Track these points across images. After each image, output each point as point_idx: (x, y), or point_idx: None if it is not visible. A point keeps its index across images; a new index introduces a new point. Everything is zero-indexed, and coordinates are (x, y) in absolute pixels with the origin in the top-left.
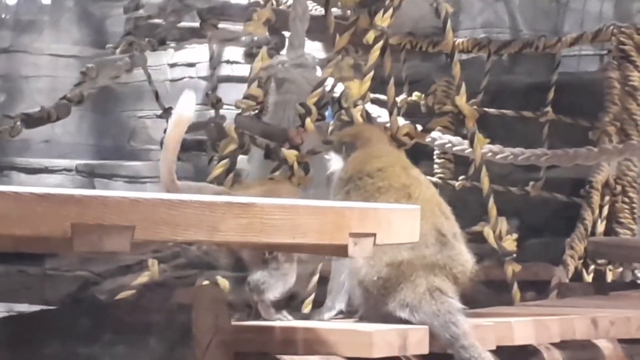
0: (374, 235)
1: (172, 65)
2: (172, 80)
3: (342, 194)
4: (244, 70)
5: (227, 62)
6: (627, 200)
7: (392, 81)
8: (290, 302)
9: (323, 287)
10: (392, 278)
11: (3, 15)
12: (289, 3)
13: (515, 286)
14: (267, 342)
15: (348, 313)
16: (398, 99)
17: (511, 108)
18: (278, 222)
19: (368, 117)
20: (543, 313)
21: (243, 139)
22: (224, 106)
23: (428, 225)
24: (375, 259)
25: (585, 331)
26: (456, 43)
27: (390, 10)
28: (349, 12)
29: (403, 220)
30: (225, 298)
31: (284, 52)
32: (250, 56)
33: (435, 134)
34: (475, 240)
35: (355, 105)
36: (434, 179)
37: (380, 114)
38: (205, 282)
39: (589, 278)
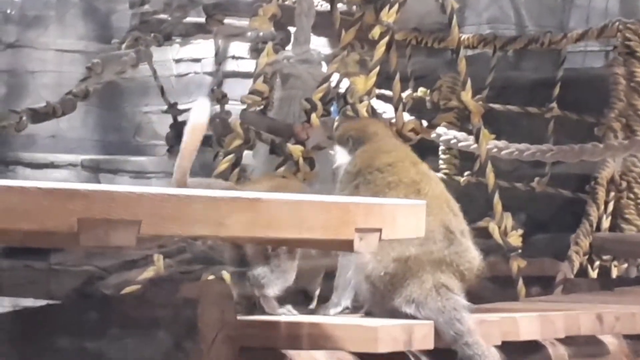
0: (380, 230)
1: (178, 61)
2: (178, 76)
3: (351, 188)
4: (249, 65)
5: (233, 57)
6: (632, 196)
7: (397, 77)
8: (304, 300)
9: (329, 282)
10: (399, 274)
11: (9, 11)
12: None
13: (521, 282)
14: (273, 337)
15: (354, 309)
16: (403, 95)
17: (517, 104)
18: (284, 217)
19: (373, 113)
20: (548, 308)
21: (248, 135)
22: (230, 102)
23: (436, 222)
24: (382, 255)
25: (590, 327)
26: (462, 39)
27: (396, 6)
28: (354, 7)
29: (408, 216)
30: (231, 293)
31: (289, 47)
32: (255, 52)
33: (440, 129)
34: (481, 236)
35: (360, 101)
36: (439, 174)
37: (386, 110)
38: (211, 277)
39: (594, 274)
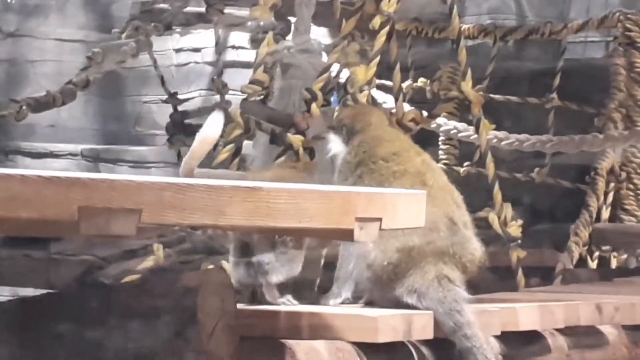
0: (380, 219)
1: (178, 50)
2: (178, 66)
3: (354, 177)
4: (249, 55)
5: (233, 47)
6: (632, 186)
7: (398, 67)
8: (309, 292)
9: (329, 272)
10: (402, 264)
11: (9, 0)
12: None
13: (520, 272)
14: (273, 327)
15: (354, 299)
16: (404, 85)
17: (517, 94)
18: (284, 206)
19: (374, 103)
20: (548, 299)
21: (248, 124)
22: (230, 91)
23: (440, 213)
24: (386, 245)
25: (589, 317)
26: (462, 29)
27: None
28: None
29: (409, 205)
30: (231, 282)
31: (290, 37)
32: (256, 41)
33: (440, 120)
34: (480, 226)
35: (361, 91)
36: (439, 165)
37: (386, 100)
38: (211, 267)
39: (593, 264)
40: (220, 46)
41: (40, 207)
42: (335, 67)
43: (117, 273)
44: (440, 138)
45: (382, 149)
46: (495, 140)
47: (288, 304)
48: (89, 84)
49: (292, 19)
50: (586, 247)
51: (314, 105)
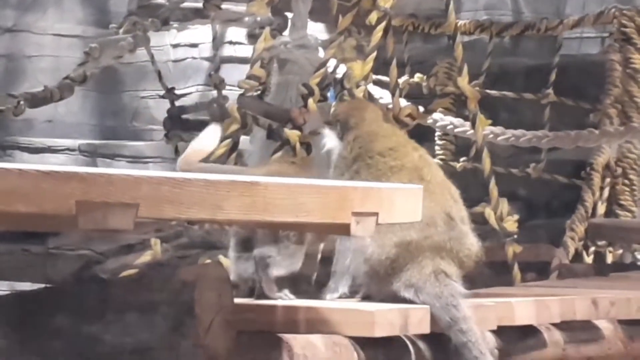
0: (377, 214)
1: (175, 46)
2: (175, 61)
3: (350, 172)
4: (246, 51)
5: (230, 42)
6: (627, 182)
7: (394, 62)
8: (306, 287)
9: (326, 267)
10: (400, 258)
11: None
12: None
13: (516, 267)
14: (270, 321)
15: (350, 294)
16: (400, 81)
17: (513, 90)
18: (281, 201)
19: (370, 98)
20: (544, 294)
21: (245, 119)
22: (227, 87)
23: (438, 208)
24: (383, 239)
25: (585, 312)
26: (458, 25)
27: None
28: None
29: (406, 200)
30: (228, 277)
31: (286, 33)
32: (253, 37)
33: (436, 115)
34: (477, 221)
35: (357, 86)
36: (435, 160)
37: (383, 95)
38: (208, 261)
39: (589, 259)
40: (218, 41)
41: (38, 202)
42: (332, 63)
43: (114, 268)
44: (437, 133)
45: (378, 144)
46: (491, 135)
47: (285, 299)
48: (87, 79)
49: (289, 15)
50: (582, 242)
51: (310, 101)
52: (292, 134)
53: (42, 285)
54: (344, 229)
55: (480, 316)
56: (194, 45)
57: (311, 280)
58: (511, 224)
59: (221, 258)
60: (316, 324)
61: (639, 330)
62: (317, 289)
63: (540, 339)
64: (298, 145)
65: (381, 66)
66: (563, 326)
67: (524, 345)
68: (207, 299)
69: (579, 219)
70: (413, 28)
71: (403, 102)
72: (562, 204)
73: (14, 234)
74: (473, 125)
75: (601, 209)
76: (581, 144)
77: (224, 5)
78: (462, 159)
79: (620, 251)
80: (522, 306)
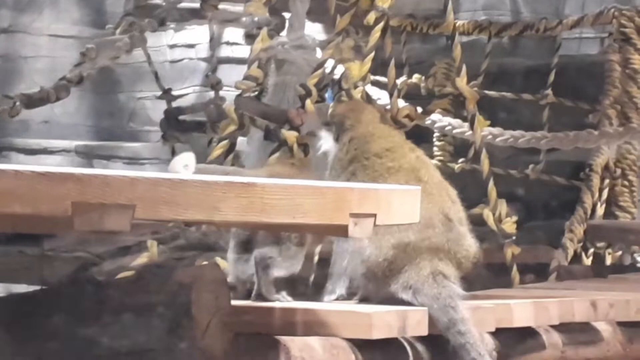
0: (374, 215)
1: (172, 46)
2: (172, 62)
3: (347, 174)
4: (244, 51)
5: (227, 43)
6: (626, 183)
7: (392, 63)
8: (303, 289)
9: (324, 269)
10: (397, 260)
11: None
12: None
13: (515, 269)
14: (267, 323)
15: (348, 295)
16: (398, 81)
17: (511, 91)
18: (278, 202)
19: (368, 99)
20: (542, 295)
21: (243, 120)
22: (224, 87)
23: (436, 209)
24: (381, 241)
25: (584, 313)
26: (457, 25)
27: None
28: None
29: (403, 201)
30: (225, 279)
31: (284, 33)
32: (250, 37)
33: (435, 116)
34: (475, 223)
35: (355, 87)
36: (434, 161)
37: (381, 96)
38: (205, 263)
39: (588, 261)
40: (215, 42)
41: (34, 203)
42: (329, 63)
43: (111, 269)
44: (435, 134)
45: (374, 145)
46: (490, 136)
47: (283, 301)
48: (83, 80)
49: (287, 15)
50: (581, 244)
51: (308, 102)
52: (289, 135)
53: (38, 287)
54: (341, 231)
55: (478, 318)
56: (191, 46)
57: (308, 282)
58: (510, 225)
59: (218, 260)
60: (314, 326)
61: (638, 332)
62: (315, 291)
63: (538, 340)
64: (295, 147)
65: (379, 67)
66: (562, 328)
67: (523, 347)
68: (204, 301)
69: (578, 220)
70: (411, 28)
71: (401, 102)
72: (561, 205)
73: (10, 235)
74: (471, 126)
75: (600, 210)
76: (580, 145)
77: (221, 6)
78: (460, 160)
79: (619, 253)
80: (520, 308)
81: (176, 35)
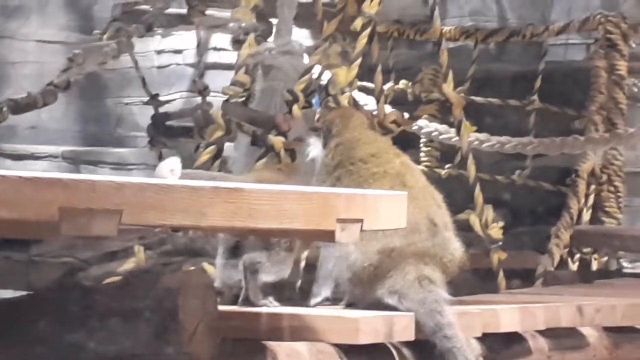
0: (361, 221)
1: (159, 52)
2: (159, 67)
3: (332, 179)
4: (231, 57)
5: (215, 49)
6: (612, 189)
7: (379, 69)
8: (290, 294)
9: (311, 275)
10: (383, 265)
11: None
12: None
13: (501, 274)
14: (254, 329)
15: (334, 300)
16: (385, 87)
17: (498, 96)
18: (265, 207)
19: (355, 105)
20: (529, 301)
21: (230, 126)
22: (211, 93)
23: (422, 214)
24: (366, 246)
25: (570, 319)
26: (443, 31)
27: None
28: None
29: (390, 206)
30: (212, 284)
31: (271, 39)
32: (237, 43)
33: (421, 122)
34: (461, 228)
35: (342, 93)
36: (420, 167)
37: (368, 102)
38: (192, 268)
39: (574, 266)
40: (202, 48)
41: (21, 208)
42: (316, 69)
43: (98, 275)
44: (422, 140)
45: (360, 150)
46: (476, 142)
47: (270, 306)
48: (70, 85)
49: (274, 21)
50: (567, 249)
51: (295, 107)
52: (276, 140)
53: (25, 293)
54: (328, 236)
55: (465, 323)
56: (178, 52)
57: (295, 288)
58: (496, 230)
59: (205, 265)
60: (301, 331)
61: (624, 337)
62: (301, 296)
63: (525, 346)
64: (282, 152)
65: (366, 72)
66: (548, 333)
67: (509, 352)
68: (190, 306)
69: (564, 225)
70: (398, 34)
71: (388, 108)
72: (547, 210)
73: None
74: (458, 132)
75: (586, 215)
76: (566, 150)
77: (208, 12)
78: (447, 166)
79: (606, 258)
80: (507, 313)
81: (163, 41)
